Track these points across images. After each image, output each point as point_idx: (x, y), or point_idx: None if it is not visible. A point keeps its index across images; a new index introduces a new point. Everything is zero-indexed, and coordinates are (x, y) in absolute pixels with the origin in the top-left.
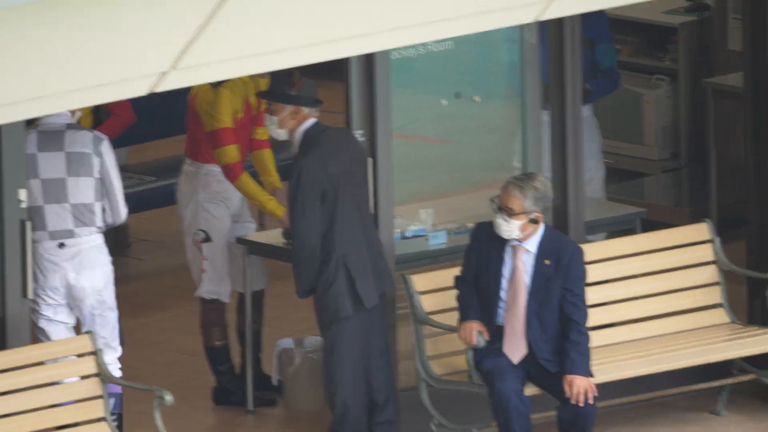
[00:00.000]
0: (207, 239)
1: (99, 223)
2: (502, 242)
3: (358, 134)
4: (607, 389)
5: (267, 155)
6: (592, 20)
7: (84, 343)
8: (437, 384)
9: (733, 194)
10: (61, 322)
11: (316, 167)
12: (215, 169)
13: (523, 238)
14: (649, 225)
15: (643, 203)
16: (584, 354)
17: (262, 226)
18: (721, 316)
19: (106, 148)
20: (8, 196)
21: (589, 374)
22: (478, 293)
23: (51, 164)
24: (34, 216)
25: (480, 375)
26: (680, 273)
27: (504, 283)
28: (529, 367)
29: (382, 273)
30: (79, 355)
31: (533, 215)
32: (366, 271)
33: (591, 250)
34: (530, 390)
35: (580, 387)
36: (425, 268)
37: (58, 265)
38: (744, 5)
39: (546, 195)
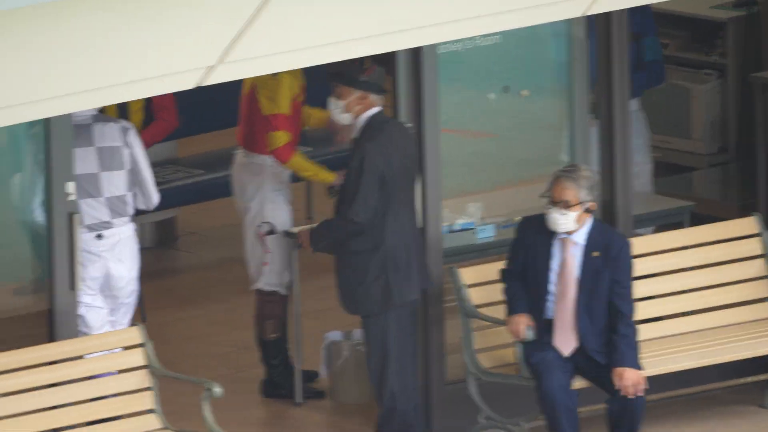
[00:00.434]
0: (272, 231)
1: (131, 211)
2: (549, 236)
3: (407, 127)
4: (655, 382)
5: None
6: (637, 14)
7: (132, 335)
8: (485, 377)
9: None
10: (99, 308)
11: (379, 153)
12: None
13: (576, 230)
14: (698, 219)
15: (691, 197)
16: (633, 347)
17: (310, 219)
18: None
19: (133, 137)
20: (56, 189)
21: (639, 367)
22: (526, 287)
23: (82, 160)
24: None
25: (528, 368)
26: (728, 267)
27: (553, 276)
28: (579, 360)
29: (424, 270)
30: (126, 348)
31: (588, 205)
32: (410, 266)
33: (639, 243)
34: (579, 383)
35: (629, 379)
36: (473, 261)
37: (99, 255)
38: None
39: (595, 183)
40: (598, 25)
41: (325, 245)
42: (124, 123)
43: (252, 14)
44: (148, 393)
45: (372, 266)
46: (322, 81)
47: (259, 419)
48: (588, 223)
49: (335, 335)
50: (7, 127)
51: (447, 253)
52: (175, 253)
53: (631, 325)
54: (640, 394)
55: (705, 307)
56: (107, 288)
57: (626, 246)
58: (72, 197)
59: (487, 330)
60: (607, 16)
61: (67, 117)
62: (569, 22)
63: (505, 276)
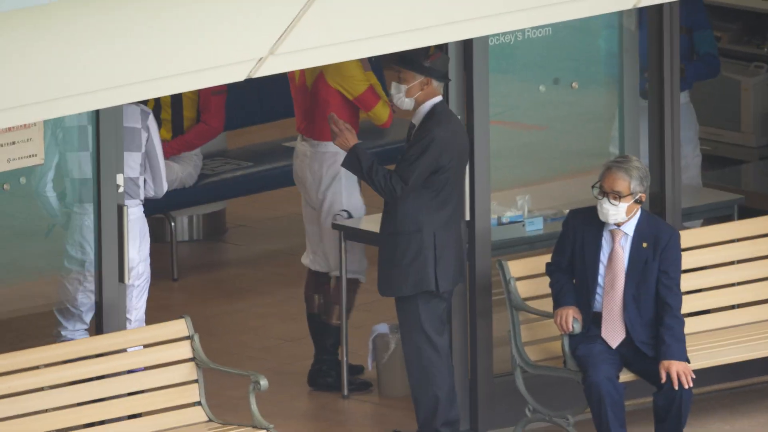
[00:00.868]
0: (350, 218)
1: (142, 196)
2: (598, 228)
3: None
4: (703, 375)
5: None
6: (689, 7)
7: (179, 328)
8: (532, 370)
9: None
10: None
11: (446, 141)
12: None
13: (625, 222)
14: (746, 212)
15: (740, 190)
16: (680, 339)
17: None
18: None
19: (152, 122)
20: (105, 181)
21: (686, 359)
22: (575, 280)
23: None
24: (83, 188)
25: (575, 361)
26: None
27: (602, 268)
28: (626, 352)
29: (461, 266)
30: (175, 340)
31: (638, 196)
32: (449, 257)
33: (688, 236)
34: (626, 376)
35: (677, 372)
36: (521, 254)
37: None
38: None
39: (647, 174)
40: (650, 17)
41: (353, 168)
42: (144, 107)
43: (303, 5)
44: (194, 385)
45: (411, 248)
46: None
47: (305, 412)
48: (637, 214)
49: (382, 328)
50: None
51: (495, 246)
52: (223, 245)
53: (678, 317)
54: (688, 387)
55: (753, 300)
56: None
57: (675, 237)
58: (121, 189)
59: (534, 323)
60: (658, 7)
61: (117, 109)
62: (620, 14)
63: (551, 269)
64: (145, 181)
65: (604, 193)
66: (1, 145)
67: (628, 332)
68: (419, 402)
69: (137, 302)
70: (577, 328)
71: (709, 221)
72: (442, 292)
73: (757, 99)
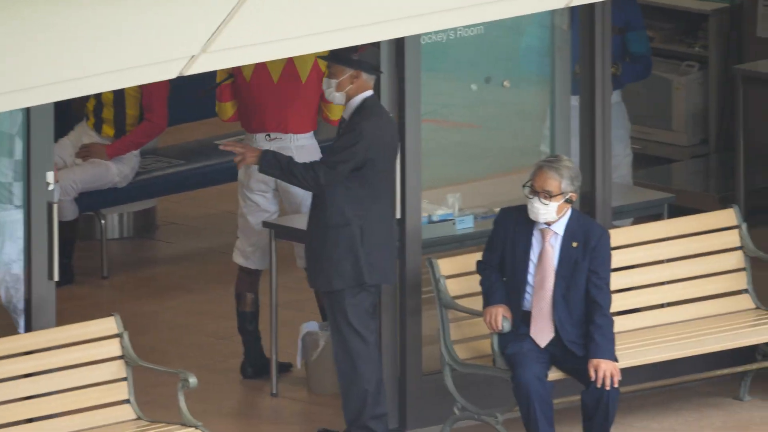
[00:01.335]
0: None
1: (17, 201)
2: (529, 227)
3: None
4: (631, 374)
5: None
6: (624, 7)
7: (109, 326)
8: (461, 368)
9: (761, 180)
10: None
11: (374, 135)
12: None
13: (555, 221)
14: (677, 211)
15: (671, 189)
16: (609, 338)
17: None
18: (746, 301)
19: None
20: (35, 179)
21: (614, 358)
22: (505, 279)
23: None
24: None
25: (504, 359)
26: (707, 258)
27: (532, 267)
28: (555, 351)
29: (394, 263)
30: (104, 338)
31: (569, 195)
32: (381, 251)
33: (618, 235)
34: (554, 375)
35: (605, 371)
36: (452, 252)
37: None
38: None
39: (578, 174)
40: (582, 16)
41: (272, 173)
42: None
43: (236, 3)
44: (123, 383)
45: (341, 242)
46: None
47: (235, 410)
48: (567, 213)
49: (311, 326)
50: None
51: (426, 244)
52: (153, 243)
53: (607, 316)
54: (615, 385)
55: (682, 298)
56: None
57: (605, 237)
58: (51, 187)
59: (464, 321)
60: (590, 7)
61: (48, 107)
62: (552, 13)
63: (481, 267)
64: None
65: (535, 192)
66: None
67: (557, 331)
68: (348, 396)
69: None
70: (507, 326)
71: (639, 220)
72: (369, 286)
73: (689, 98)
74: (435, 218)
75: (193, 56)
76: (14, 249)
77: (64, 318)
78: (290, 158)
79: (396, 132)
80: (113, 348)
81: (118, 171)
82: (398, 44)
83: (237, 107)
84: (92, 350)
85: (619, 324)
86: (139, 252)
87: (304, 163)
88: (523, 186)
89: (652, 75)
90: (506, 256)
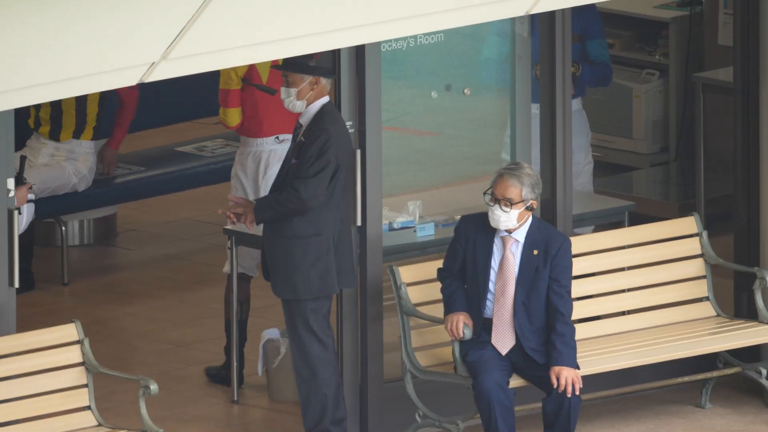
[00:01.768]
0: None
1: None
2: (490, 234)
3: (348, 125)
4: (592, 381)
5: None
6: (582, 15)
7: (69, 332)
8: (423, 375)
9: (721, 188)
10: None
11: (340, 139)
12: None
13: (516, 228)
14: (638, 218)
15: (632, 197)
16: (570, 345)
17: None
18: (707, 309)
19: None
20: None
21: (576, 366)
22: (466, 286)
23: None
24: None
25: (465, 367)
26: (667, 266)
27: (492, 274)
28: (516, 359)
29: (354, 267)
30: (64, 344)
31: (529, 203)
32: (346, 257)
33: (579, 242)
34: (516, 382)
35: (566, 378)
36: (413, 259)
37: None
38: (735, 1)
39: (539, 182)
40: (542, 24)
41: (268, 217)
42: None
43: (195, 11)
44: (83, 390)
45: (311, 252)
46: None
47: (196, 417)
48: (528, 221)
49: (272, 333)
50: None
51: (386, 252)
52: (114, 249)
53: (569, 324)
54: (577, 393)
55: (643, 306)
56: None
57: (566, 245)
58: (12, 194)
59: (425, 328)
60: (550, 15)
61: (8, 114)
62: (512, 21)
63: (442, 275)
64: None
65: (496, 200)
66: None
67: (518, 339)
68: (308, 402)
69: None
70: (468, 334)
71: (600, 227)
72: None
73: (649, 106)
74: (396, 226)
75: (153, 63)
76: None
77: (24, 324)
78: (267, 196)
79: (350, 138)
80: (74, 355)
81: (74, 170)
82: (358, 51)
83: (244, 113)
84: (53, 357)
85: (581, 331)
86: (99, 259)
87: (285, 193)
88: (484, 193)
89: (612, 83)
90: (467, 264)
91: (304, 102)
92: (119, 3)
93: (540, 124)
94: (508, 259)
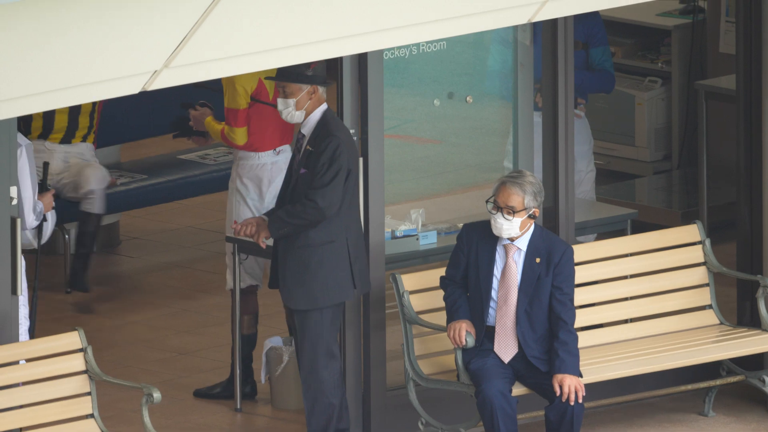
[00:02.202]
0: None
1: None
2: (492, 242)
3: (350, 133)
4: (595, 389)
5: None
6: (586, 23)
7: (72, 340)
8: (425, 383)
9: (724, 196)
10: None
11: (348, 145)
12: None
13: (519, 236)
14: (640, 226)
15: (634, 205)
16: (573, 353)
17: None
18: (710, 317)
19: (20, 155)
20: None
21: (579, 373)
22: (469, 294)
23: None
24: None
25: (468, 375)
26: (670, 274)
27: (495, 282)
28: (519, 366)
29: (366, 272)
30: (67, 353)
31: (532, 211)
32: (362, 263)
33: (581, 250)
34: (518, 390)
35: (569, 386)
36: (415, 267)
37: None
38: (737, 8)
39: (541, 190)
40: (544, 32)
41: (285, 233)
42: (18, 139)
43: (198, 18)
44: (87, 398)
45: (327, 260)
46: None
47: (199, 425)
48: (531, 229)
49: (275, 341)
50: None
51: (389, 260)
52: (117, 257)
53: (572, 332)
54: (580, 401)
55: (646, 314)
56: None
57: (569, 252)
58: (14, 202)
59: (428, 336)
60: (553, 23)
61: (11, 122)
62: (515, 29)
63: (445, 283)
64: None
65: (498, 208)
66: None
67: (520, 347)
68: (314, 412)
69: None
70: (470, 341)
71: (602, 236)
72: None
73: (651, 114)
74: (398, 234)
75: (155, 71)
76: None
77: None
78: (279, 212)
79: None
80: (77, 363)
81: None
82: (361, 59)
83: (250, 130)
84: (56, 365)
85: (583, 339)
86: (102, 267)
87: (298, 203)
88: (487, 201)
89: (615, 91)
90: (470, 272)
91: (303, 112)
92: (121, 11)
93: (542, 131)
94: (510, 267)
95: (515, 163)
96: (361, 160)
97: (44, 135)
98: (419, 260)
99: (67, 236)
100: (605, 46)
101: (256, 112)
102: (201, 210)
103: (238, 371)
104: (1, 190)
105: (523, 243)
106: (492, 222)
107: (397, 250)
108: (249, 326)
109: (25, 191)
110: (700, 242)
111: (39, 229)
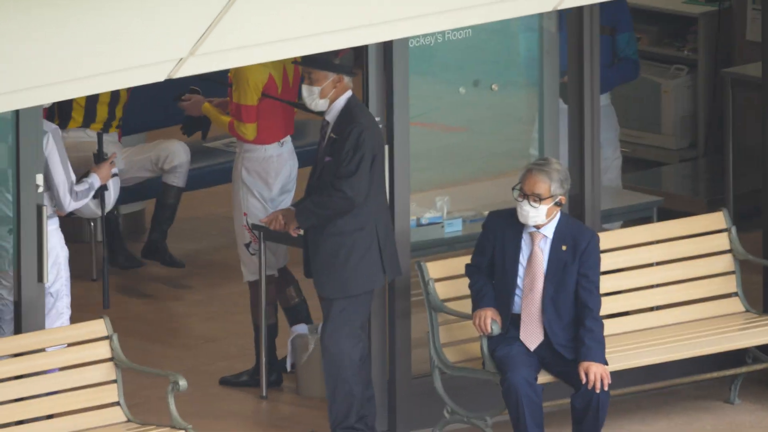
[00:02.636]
0: None
1: (49, 211)
2: (518, 230)
3: (376, 121)
4: (621, 377)
5: None
6: (613, 8)
7: (98, 328)
8: (451, 371)
9: (750, 184)
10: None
11: (373, 131)
12: None
13: (544, 224)
14: (666, 214)
15: (660, 192)
16: (599, 341)
17: None
18: (736, 305)
19: (50, 141)
20: (24, 181)
21: (604, 361)
22: (494, 282)
23: None
24: None
25: (493, 363)
26: (696, 262)
27: (521, 270)
28: (545, 354)
29: (397, 256)
30: (93, 340)
31: (558, 198)
32: (391, 248)
33: (607, 238)
34: (544, 378)
35: (595, 374)
36: (440, 255)
37: None
38: None
39: (568, 177)
40: (570, 19)
41: (314, 224)
42: (43, 126)
43: (224, 5)
44: (112, 386)
45: (357, 247)
46: None
47: (224, 412)
48: (557, 217)
49: (302, 328)
50: None
51: (414, 247)
52: (142, 245)
53: (598, 320)
54: (606, 388)
55: (672, 302)
56: None
57: (595, 240)
58: (41, 189)
59: (453, 324)
60: (578, 10)
61: (37, 109)
62: (540, 16)
63: (470, 270)
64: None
65: (525, 195)
66: None
67: (546, 335)
68: (336, 399)
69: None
70: (496, 329)
71: (628, 223)
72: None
73: (678, 101)
74: (423, 221)
75: (181, 59)
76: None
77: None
78: (307, 202)
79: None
80: (103, 350)
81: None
82: (386, 47)
83: (259, 124)
84: (82, 352)
85: (609, 327)
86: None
87: (325, 193)
88: (513, 189)
89: (641, 78)
90: (496, 260)
91: (327, 100)
92: None
93: (568, 119)
94: (536, 255)
95: (541, 150)
96: (386, 147)
97: (85, 124)
98: (444, 248)
99: (92, 224)
100: (630, 32)
101: (264, 107)
102: (226, 198)
103: (263, 359)
104: (29, 177)
105: (549, 230)
106: (518, 209)
107: (422, 238)
108: (269, 316)
109: (57, 176)
110: (726, 230)
111: (101, 198)
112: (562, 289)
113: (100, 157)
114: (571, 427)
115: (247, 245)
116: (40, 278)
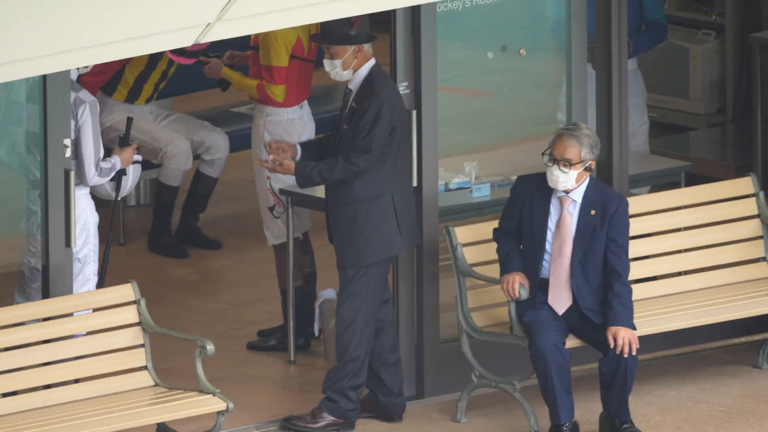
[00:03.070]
0: None
1: (76, 180)
2: (546, 194)
3: (403, 86)
4: (649, 342)
5: None
6: None
7: (126, 292)
8: (479, 336)
9: None
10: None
11: (393, 104)
12: None
13: (574, 189)
14: (694, 179)
15: (688, 157)
16: (627, 306)
17: None
18: (764, 269)
19: (86, 112)
20: (52, 145)
21: (633, 326)
22: (523, 246)
23: None
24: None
25: (521, 327)
26: (724, 227)
27: (549, 235)
28: (573, 319)
29: (417, 226)
30: (121, 305)
31: (588, 163)
32: (409, 217)
33: (635, 203)
34: (572, 342)
35: (623, 338)
36: (468, 220)
37: None
38: None
39: (597, 142)
40: None
41: (313, 183)
42: (82, 95)
43: None
44: (140, 350)
45: (372, 216)
46: None
47: (252, 377)
48: (586, 181)
49: (329, 293)
50: None
51: (442, 212)
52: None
53: (626, 285)
54: (634, 353)
55: (700, 267)
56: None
57: (624, 205)
58: (68, 154)
59: (481, 289)
60: None
61: (65, 74)
62: None
63: (498, 235)
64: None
65: (555, 160)
66: None
67: (574, 299)
68: (340, 363)
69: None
70: (524, 294)
71: (656, 188)
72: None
73: (706, 66)
74: (452, 186)
75: (208, 24)
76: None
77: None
78: (315, 166)
79: (402, 98)
80: (130, 315)
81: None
82: (414, 12)
83: (287, 87)
84: (109, 317)
85: (637, 292)
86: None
87: (336, 161)
88: (543, 154)
89: (668, 43)
90: (524, 224)
91: (350, 70)
92: None
93: (596, 84)
94: (565, 219)
95: (569, 115)
96: (414, 112)
97: (129, 101)
98: (472, 213)
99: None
100: None
101: (292, 69)
102: (252, 163)
103: (291, 323)
104: (56, 142)
105: (578, 195)
106: (548, 174)
107: (450, 203)
108: (295, 278)
109: (86, 148)
110: (754, 195)
111: (118, 182)
112: (591, 254)
113: (125, 141)
114: (599, 392)
115: (271, 208)
116: (68, 243)
